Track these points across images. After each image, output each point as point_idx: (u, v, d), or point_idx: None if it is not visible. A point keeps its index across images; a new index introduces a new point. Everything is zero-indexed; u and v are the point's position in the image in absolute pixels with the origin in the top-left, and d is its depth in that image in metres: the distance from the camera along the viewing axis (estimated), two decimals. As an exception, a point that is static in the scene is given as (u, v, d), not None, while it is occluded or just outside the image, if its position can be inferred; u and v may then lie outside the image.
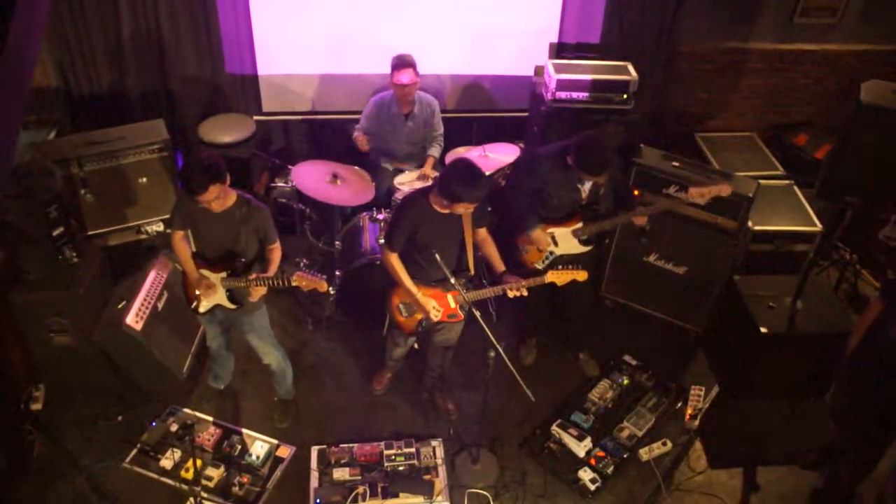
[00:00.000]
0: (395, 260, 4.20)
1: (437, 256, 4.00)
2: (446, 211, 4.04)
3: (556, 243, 4.68)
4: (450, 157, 5.77)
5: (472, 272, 4.30)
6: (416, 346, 4.81)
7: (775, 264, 5.40)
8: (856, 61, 6.64)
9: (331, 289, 5.40)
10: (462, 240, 4.21)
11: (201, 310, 4.32)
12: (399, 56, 5.55)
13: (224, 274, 4.14)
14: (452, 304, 4.31)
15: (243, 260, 4.13)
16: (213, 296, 4.22)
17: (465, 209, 3.99)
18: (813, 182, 4.98)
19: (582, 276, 4.18)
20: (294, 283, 4.00)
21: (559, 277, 4.18)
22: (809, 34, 6.53)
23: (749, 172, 5.67)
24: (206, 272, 4.17)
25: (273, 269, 4.16)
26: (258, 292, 4.15)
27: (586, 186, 4.56)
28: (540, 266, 4.77)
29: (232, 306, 4.27)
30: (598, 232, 4.67)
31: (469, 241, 4.21)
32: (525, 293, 4.18)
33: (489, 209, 5.37)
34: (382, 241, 4.50)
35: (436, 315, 4.28)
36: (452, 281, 4.07)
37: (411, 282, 4.23)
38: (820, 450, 4.61)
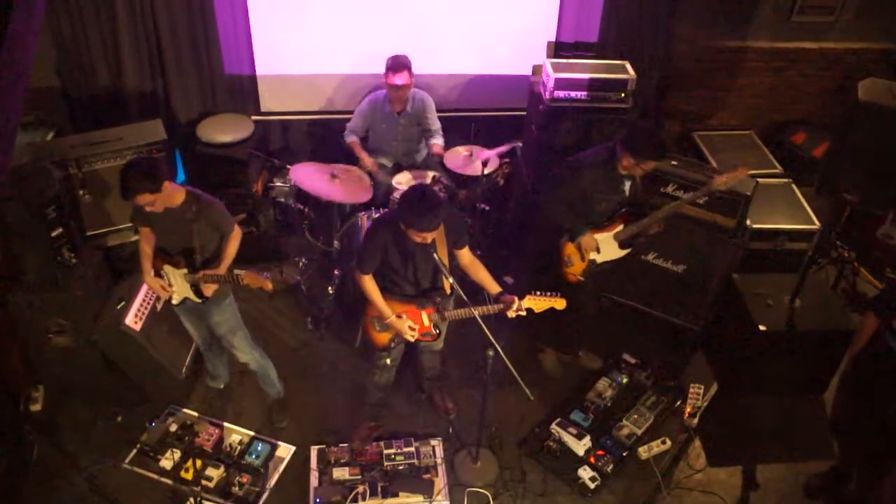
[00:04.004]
0: (367, 282, 4.12)
1: (436, 255, 3.96)
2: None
3: (598, 251, 4.67)
4: (448, 157, 5.77)
5: (448, 292, 4.20)
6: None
7: (774, 262, 5.41)
8: (854, 59, 6.65)
9: (330, 288, 5.41)
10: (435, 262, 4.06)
11: (174, 301, 4.34)
12: (394, 57, 5.55)
13: (185, 270, 4.17)
14: (427, 323, 4.24)
15: (198, 256, 4.14)
16: (171, 292, 4.26)
17: (419, 238, 3.86)
18: (811, 180, 5.00)
19: (560, 304, 4.10)
20: (244, 282, 4.03)
21: (537, 304, 4.07)
22: (807, 32, 6.53)
23: (747, 171, 5.67)
24: (168, 268, 4.20)
25: (227, 261, 4.19)
26: (209, 288, 4.20)
27: (626, 186, 4.56)
28: (582, 278, 4.73)
29: (198, 300, 4.28)
30: (638, 232, 4.65)
31: (444, 262, 4.08)
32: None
33: (468, 221, 5.38)
34: (354, 263, 4.38)
35: (412, 335, 4.20)
36: (451, 281, 4.04)
37: (384, 304, 4.15)
38: (824, 477, 4.60)
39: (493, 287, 4.18)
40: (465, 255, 4.23)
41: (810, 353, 4.93)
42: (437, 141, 5.83)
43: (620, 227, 4.62)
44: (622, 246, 4.69)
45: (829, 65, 6.66)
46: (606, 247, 4.67)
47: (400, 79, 5.50)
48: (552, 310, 4.14)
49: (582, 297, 4.78)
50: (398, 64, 5.51)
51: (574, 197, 4.54)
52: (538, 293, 4.07)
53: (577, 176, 4.53)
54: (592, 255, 4.68)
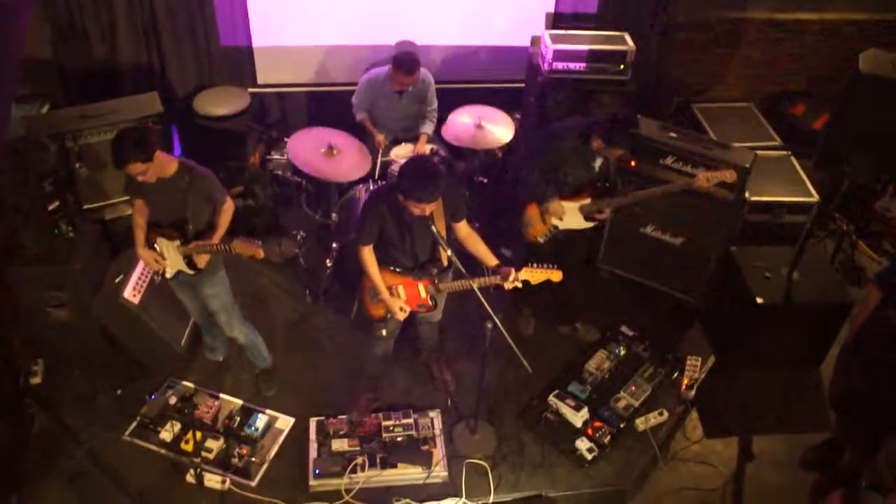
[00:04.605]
0: (367, 254, 4.12)
1: (434, 228, 3.96)
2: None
3: (560, 218, 4.69)
4: (446, 129, 5.74)
5: (446, 264, 4.22)
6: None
7: (772, 235, 5.41)
8: (855, 30, 6.59)
9: (328, 261, 5.41)
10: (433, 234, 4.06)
11: (168, 274, 4.35)
12: (406, 55, 5.44)
13: (178, 242, 4.17)
14: (423, 294, 4.24)
15: (190, 227, 4.15)
16: (166, 264, 4.27)
17: (418, 209, 3.84)
18: (810, 152, 4.98)
19: (556, 276, 4.08)
20: (236, 251, 4.02)
21: (533, 276, 4.06)
22: (808, 3, 6.48)
23: (746, 143, 5.65)
24: (161, 240, 4.21)
25: (219, 232, 4.19)
26: (202, 259, 4.21)
27: (597, 163, 4.59)
28: (541, 241, 4.78)
29: (191, 272, 4.29)
30: (601, 209, 4.69)
31: (442, 234, 4.08)
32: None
33: (466, 193, 5.39)
34: (353, 235, 4.41)
35: (402, 315, 4.23)
36: (449, 253, 4.03)
37: (380, 278, 4.16)
38: (820, 449, 4.63)
39: (491, 259, 4.18)
40: (463, 228, 4.22)
41: (807, 325, 4.94)
42: (427, 129, 5.78)
43: (587, 201, 4.65)
44: (587, 218, 4.72)
45: (830, 36, 6.61)
46: (570, 216, 4.70)
47: (413, 80, 5.47)
48: (548, 282, 4.13)
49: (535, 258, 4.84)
50: (412, 65, 5.43)
51: (546, 165, 4.59)
52: (535, 265, 4.06)
53: (550, 146, 4.60)
54: (555, 221, 4.71)
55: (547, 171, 4.60)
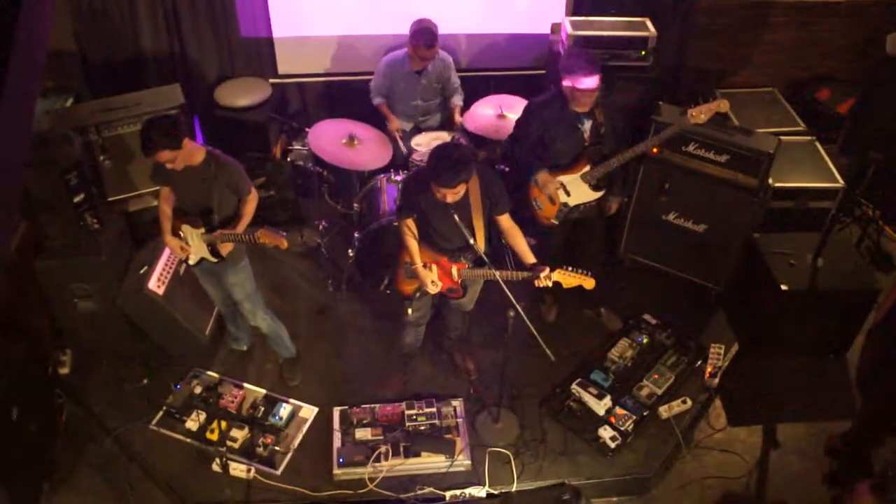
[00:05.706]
0: (404, 226, 4.19)
1: (456, 217, 3.96)
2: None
3: (567, 193, 4.65)
4: (467, 118, 5.73)
5: (482, 250, 4.20)
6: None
7: (796, 221, 5.35)
8: (881, 11, 6.48)
9: (350, 251, 5.43)
10: (469, 220, 4.09)
11: (191, 262, 4.39)
12: (425, 29, 5.45)
13: (203, 230, 4.21)
14: (455, 277, 4.25)
15: (215, 216, 4.18)
16: (190, 251, 4.31)
17: (440, 194, 3.88)
18: (836, 138, 4.92)
19: (589, 283, 4.04)
20: (260, 241, 4.03)
21: (566, 279, 4.03)
22: (833, -16, 6.39)
23: (770, 129, 5.60)
24: (186, 228, 4.24)
25: (244, 222, 4.22)
26: (225, 247, 4.25)
27: (586, 126, 4.52)
28: (556, 222, 4.75)
29: (214, 259, 4.32)
30: (608, 172, 4.61)
31: (478, 223, 4.10)
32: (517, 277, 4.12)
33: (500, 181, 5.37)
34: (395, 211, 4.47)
35: (433, 289, 4.23)
36: (471, 242, 4.03)
37: (417, 251, 4.20)
38: (846, 437, 4.59)
39: (528, 257, 4.15)
40: (505, 221, 4.21)
41: (833, 312, 4.89)
42: (457, 101, 5.81)
43: (587, 169, 4.59)
44: (595, 188, 4.67)
45: (856, 18, 6.50)
46: (576, 189, 4.64)
47: (433, 53, 5.48)
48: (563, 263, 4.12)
49: (553, 241, 4.81)
50: (431, 37, 5.44)
51: (531, 136, 4.56)
52: (570, 269, 4.03)
53: (530, 115, 4.58)
54: (563, 198, 4.66)
55: (534, 143, 4.57)
